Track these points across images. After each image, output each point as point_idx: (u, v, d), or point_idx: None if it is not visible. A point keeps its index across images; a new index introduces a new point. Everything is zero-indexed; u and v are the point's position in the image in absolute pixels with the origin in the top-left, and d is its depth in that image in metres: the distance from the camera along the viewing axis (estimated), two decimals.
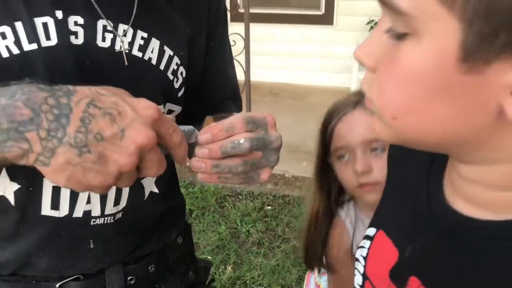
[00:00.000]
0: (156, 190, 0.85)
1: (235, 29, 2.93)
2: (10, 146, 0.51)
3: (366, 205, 1.09)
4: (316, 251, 1.15)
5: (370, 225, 0.60)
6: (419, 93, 0.38)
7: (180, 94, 0.82)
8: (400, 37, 0.38)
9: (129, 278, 0.82)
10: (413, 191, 0.52)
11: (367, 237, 0.59)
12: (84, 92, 0.54)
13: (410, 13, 0.36)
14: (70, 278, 0.78)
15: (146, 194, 0.82)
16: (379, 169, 1.01)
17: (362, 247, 0.59)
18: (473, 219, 0.43)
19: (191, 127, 0.65)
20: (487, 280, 0.41)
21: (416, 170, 0.52)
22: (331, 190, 1.13)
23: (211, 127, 0.64)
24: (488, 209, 0.42)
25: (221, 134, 0.63)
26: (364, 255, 0.58)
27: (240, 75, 1.22)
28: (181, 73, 0.81)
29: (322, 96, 4.36)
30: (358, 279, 0.58)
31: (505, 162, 0.40)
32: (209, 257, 2.58)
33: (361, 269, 0.58)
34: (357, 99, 1.06)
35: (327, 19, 4.72)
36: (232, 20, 4.19)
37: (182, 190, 1.88)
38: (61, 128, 0.52)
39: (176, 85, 0.80)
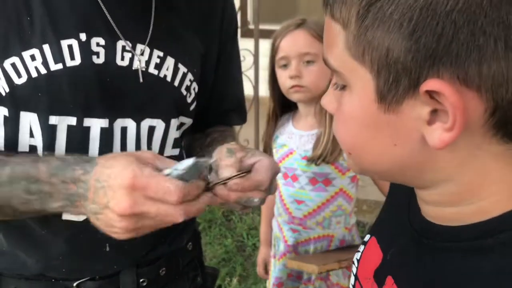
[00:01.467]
0: None
1: (245, 45, 2.98)
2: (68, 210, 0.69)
3: (298, 114, 1.49)
4: (264, 137, 1.59)
5: (367, 232, 0.66)
6: (357, 132, 0.47)
7: (192, 108, 0.88)
8: (342, 88, 0.48)
9: (141, 280, 0.86)
10: (401, 206, 0.58)
11: (363, 242, 0.64)
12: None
13: (339, 70, 0.46)
14: (86, 278, 0.82)
15: None
16: (307, 76, 1.39)
17: (358, 251, 0.65)
18: (435, 225, 0.49)
19: (191, 162, 0.63)
20: (441, 277, 0.46)
21: (406, 190, 0.58)
22: (279, 95, 1.49)
23: (245, 180, 0.69)
24: (444, 222, 0.48)
25: (249, 189, 0.70)
26: (358, 258, 0.64)
27: (249, 90, 1.32)
28: (194, 89, 0.86)
29: None
30: (351, 280, 0.64)
31: (443, 182, 0.46)
32: None
33: (354, 271, 0.63)
34: (299, 22, 1.41)
35: None
36: (242, 36, 4.20)
37: None
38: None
39: (189, 100, 0.86)
